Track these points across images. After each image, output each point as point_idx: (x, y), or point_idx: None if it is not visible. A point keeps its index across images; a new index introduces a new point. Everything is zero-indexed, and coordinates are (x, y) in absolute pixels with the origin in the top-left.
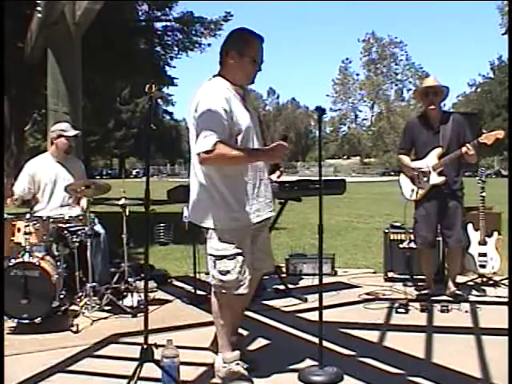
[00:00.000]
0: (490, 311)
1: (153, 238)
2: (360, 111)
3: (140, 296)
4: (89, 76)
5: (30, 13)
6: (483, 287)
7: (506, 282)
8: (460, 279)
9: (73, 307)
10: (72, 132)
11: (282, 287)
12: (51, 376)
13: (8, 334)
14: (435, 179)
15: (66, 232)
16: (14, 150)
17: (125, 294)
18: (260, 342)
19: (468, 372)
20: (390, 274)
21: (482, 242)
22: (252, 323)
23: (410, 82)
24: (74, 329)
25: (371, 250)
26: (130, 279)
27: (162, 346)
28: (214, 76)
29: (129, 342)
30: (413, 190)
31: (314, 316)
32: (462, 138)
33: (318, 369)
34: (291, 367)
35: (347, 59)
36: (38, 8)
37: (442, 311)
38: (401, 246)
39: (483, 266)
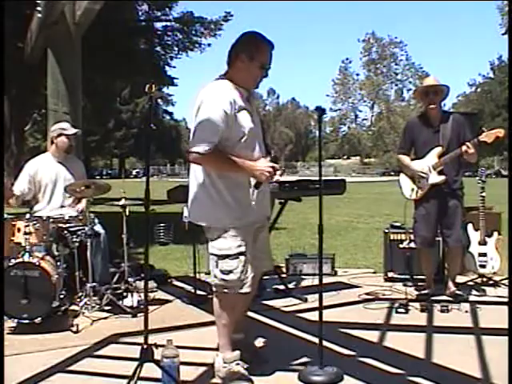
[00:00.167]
0: (490, 311)
1: (153, 238)
2: (360, 111)
3: (140, 296)
4: (89, 76)
5: (30, 13)
6: (483, 287)
7: (506, 281)
8: (460, 279)
9: (73, 307)
10: (72, 130)
11: (282, 287)
12: (51, 376)
13: (8, 334)
14: (435, 178)
15: (66, 232)
16: (14, 150)
17: (125, 294)
18: (260, 342)
19: (468, 372)
20: (390, 274)
21: (482, 242)
22: (252, 323)
23: (410, 82)
24: (74, 329)
25: (371, 249)
26: (130, 279)
27: (162, 345)
28: (220, 76)
29: (129, 342)
30: (413, 190)
31: (314, 316)
32: (462, 138)
33: (317, 369)
34: (291, 367)
35: (347, 59)
36: (38, 8)
37: (442, 311)
38: (401, 246)
39: (483, 266)
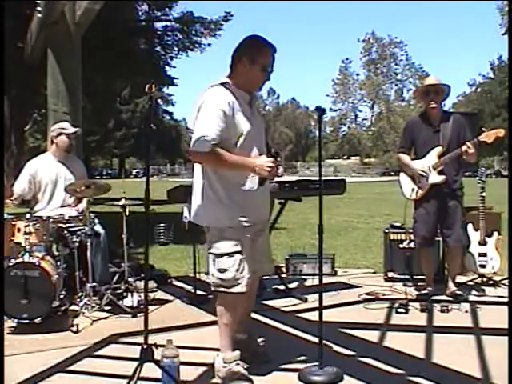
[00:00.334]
0: (490, 311)
1: (153, 237)
2: (360, 111)
3: (140, 296)
4: (89, 76)
5: (30, 13)
6: (483, 287)
7: (506, 281)
8: (460, 279)
9: (73, 307)
10: (72, 129)
11: (282, 287)
12: (51, 376)
13: (8, 334)
14: (435, 178)
15: (66, 232)
16: (14, 150)
17: (125, 294)
18: (260, 342)
19: (468, 372)
20: (390, 274)
21: (482, 242)
22: (253, 323)
23: (410, 82)
24: (74, 329)
25: (371, 249)
26: (130, 279)
27: (162, 345)
28: (223, 82)
29: (129, 342)
30: (413, 189)
31: (314, 316)
32: (462, 138)
33: (317, 369)
34: (291, 367)
35: (347, 59)
36: (38, 8)
37: (442, 311)
38: (401, 245)
39: (483, 266)
